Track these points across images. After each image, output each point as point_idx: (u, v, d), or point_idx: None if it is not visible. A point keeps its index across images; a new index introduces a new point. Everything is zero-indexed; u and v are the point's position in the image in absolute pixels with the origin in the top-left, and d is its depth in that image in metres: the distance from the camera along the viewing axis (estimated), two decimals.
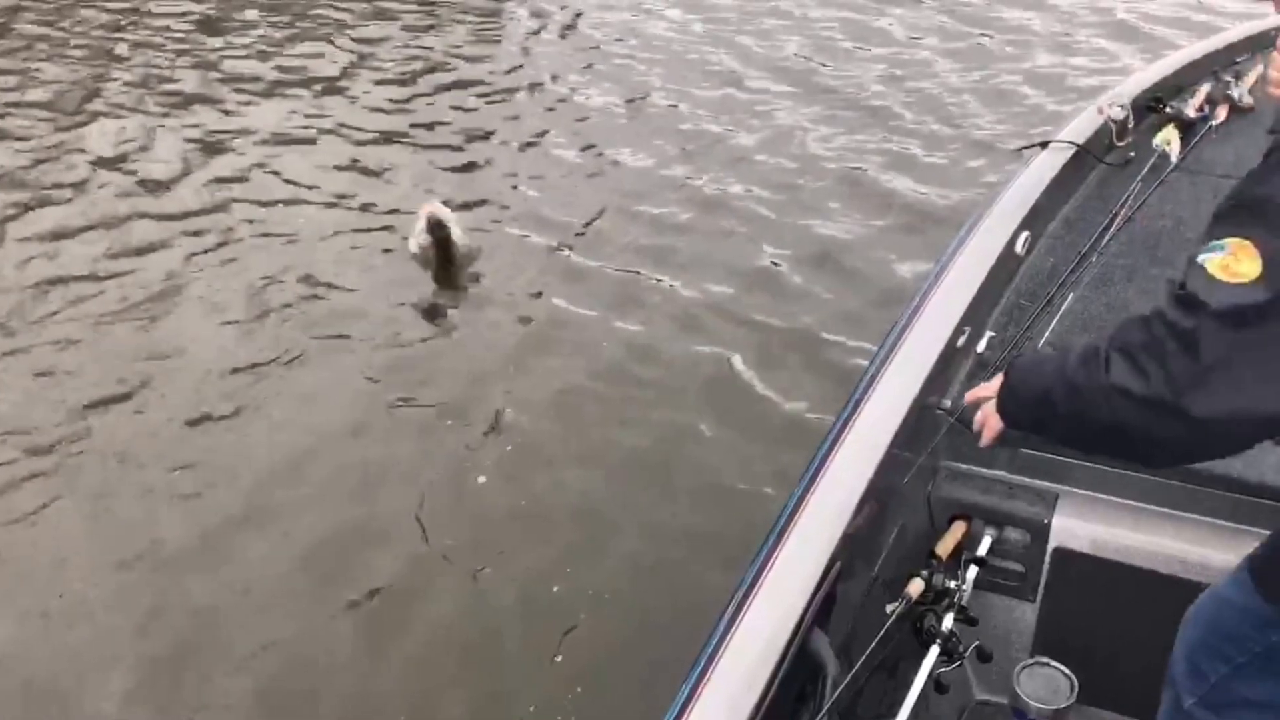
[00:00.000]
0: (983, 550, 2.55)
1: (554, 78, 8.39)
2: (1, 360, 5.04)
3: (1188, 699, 1.95)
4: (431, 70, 8.50)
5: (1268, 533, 1.89)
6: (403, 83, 8.23)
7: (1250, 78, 4.19)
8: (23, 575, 3.97)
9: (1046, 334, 2.81)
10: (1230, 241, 1.44)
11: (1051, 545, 2.58)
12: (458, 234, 5.58)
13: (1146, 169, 3.54)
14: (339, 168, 6.90)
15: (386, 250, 5.94)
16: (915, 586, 2.26)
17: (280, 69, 8.50)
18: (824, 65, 8.40)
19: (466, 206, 6.24)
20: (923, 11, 9.58)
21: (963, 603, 2.33)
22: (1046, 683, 2.34)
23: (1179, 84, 4.24)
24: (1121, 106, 3.87)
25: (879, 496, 2.36)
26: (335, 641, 3.67)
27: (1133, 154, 3.80)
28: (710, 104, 7.76)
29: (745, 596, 2.05)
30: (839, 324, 5.19)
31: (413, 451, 4.49)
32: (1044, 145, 3.71)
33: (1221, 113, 4.00)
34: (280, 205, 6.44)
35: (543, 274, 5.74)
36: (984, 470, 2.67)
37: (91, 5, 9.83)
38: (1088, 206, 3.55)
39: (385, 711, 3.44)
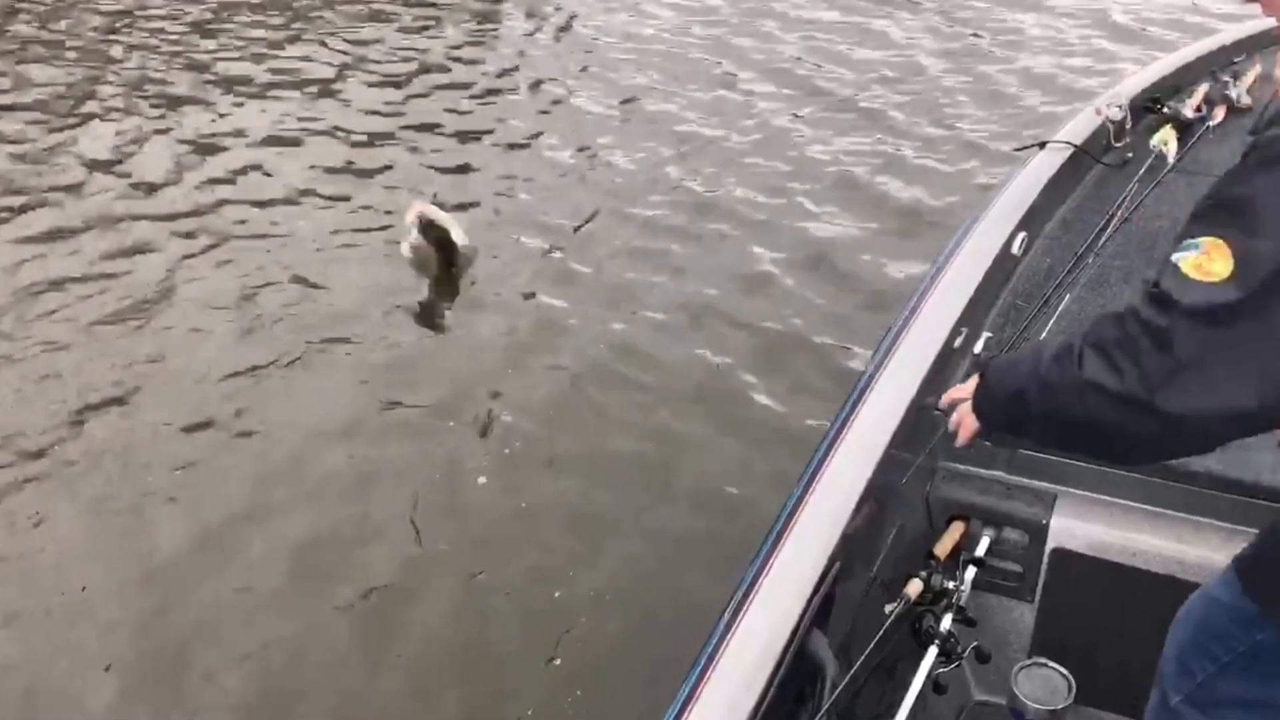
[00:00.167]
0: (981, 551, 2.54)
1: (549, 79, 8.39)
2: None
3: (1174, 696, 1.96)
4: (426, 71, 8.50)
5: None
6: (398, 84, 8.23)
7: (1248, 78, 4.19)
8: (21, 576, 3.96)
9: (1043, 335, 2.80)
10: (1204, 241, 1.45)
11: (1050, 546, 2.57)
12: (458, 234, 5.57)
13: (1144, 169, 3.54)
14: (333, 169, 6.89)
15: (381, 252, 5.92)
16: (914, 587, 2.25)
17: (275, 71, 8.49)
18: (819, 67, 8.40)
19: (461, 208, 6.23)
20: (918, 14, 9.59)
21: (961, 603, 2.32)
22: (1044, 683, 2.33)
23: (1176, 85, 4.24)
24: (1119, 107, 3.86)
25: (877, 497, 2.35)
26: (332, 642, 3.66)
27: (1130, 154, 3.80)
28: (705, 106, 7.76)
29: (744, 597, 2.04)
30: (833, 326, 5.19)
31: (408, 453, 4.48)
32: (1041, 146, 3.71)
33: (1219, 113, 3.99)
34: (274, 207, 6.43)
35: (537, 276, 5.73)
36: (982, 471, 2.66)
37: (87, 8, 9.81)
38: (1085, 207, 3.55)
39: (383, 713, 3.44)
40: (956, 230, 3.29)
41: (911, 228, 6.05)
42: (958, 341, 2.76)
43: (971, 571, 2.45)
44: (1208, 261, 1.44)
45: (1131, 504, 2.56)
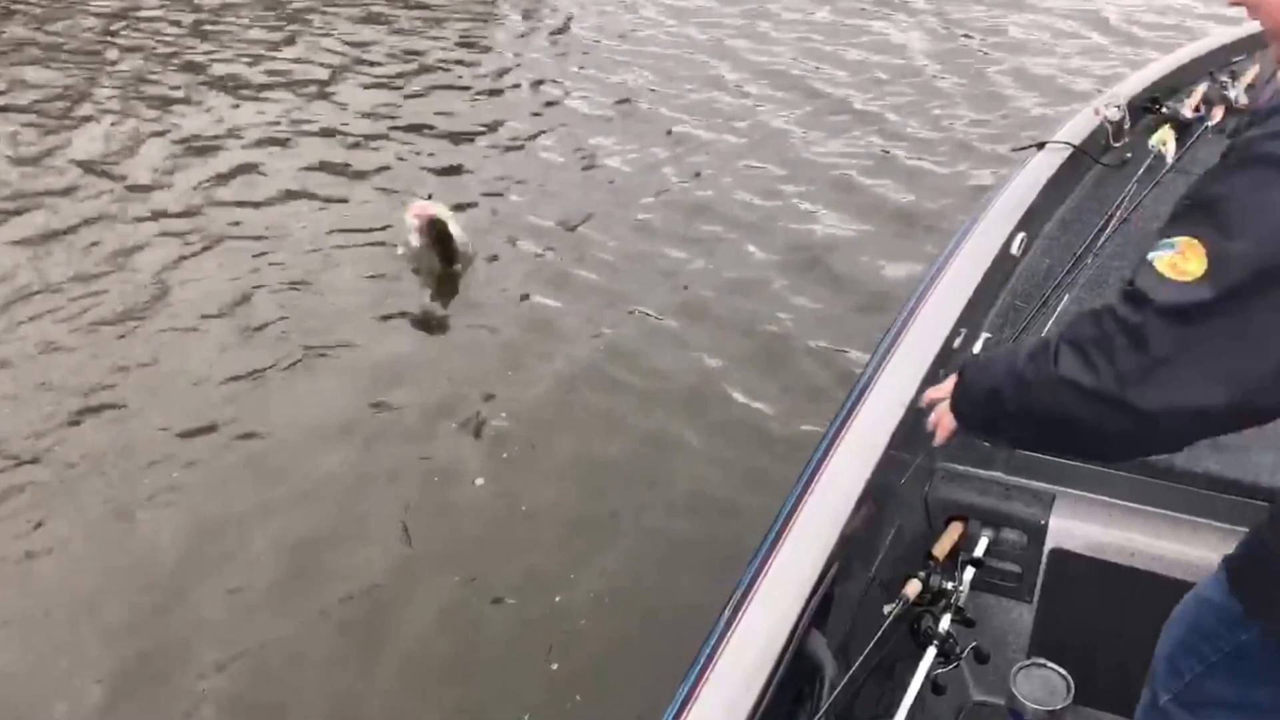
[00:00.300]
0: (980, 551, 2.54)
1: (544, 81, 8.39)
2: None
3: (1163, 696, 1.97)
4: (422, 73, 8.50)
5: None
6: (393, 86, 8.23)
7: (1246, 78, 4.19)
8: (19, 578, 3.95)
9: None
10: (1180, 240, 1.46)
11: (1048, 546, 2.57)
12: (457, 231, 5.56)
13: (1142, 170, 3.54)
14: (329, 171, 6.87)
15: (377, 253, 5.91)
16: (912, 588, 2.25)
17: (270, 72, 8.48)
18: (816, 69, 8.40)
19: (457, 209, 6.19)
20: (913, 15, 9.59)
21: (960, 604, 2.32)
22: (1043, 684, 2.33)
23: (1175, 85, 4.24)
24: (1118, 107, 3.86)
25: (876, 497, 2.35)
26: (329, 644, 3.65)
27: (1129, 155, 3.80)
28: (700, 107, 7.76)
29: (743, 597, 2.04)
30: (827, 329, 5.18)
31: (404, 455, 4.47)
32: (1040, 146, 3.71)
33: (1217, 113, 3.99)
34: (270, 209, 6.42)
35: (532, 277, 5.72)
36: (981, 471, 2.66)
37: (82, 10, 9.80)
38: (1084, 207, 3.55)
39: (380, 716, 3.43)
40: (953, 231, 3.29)
41: (907, 229, 6.05)
42: (957, 342, 2.76)
43: (970, 572, 2.44)
44: (1182, 261, 1.45)
45: (1130, 504, 2.56)
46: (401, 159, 7.05)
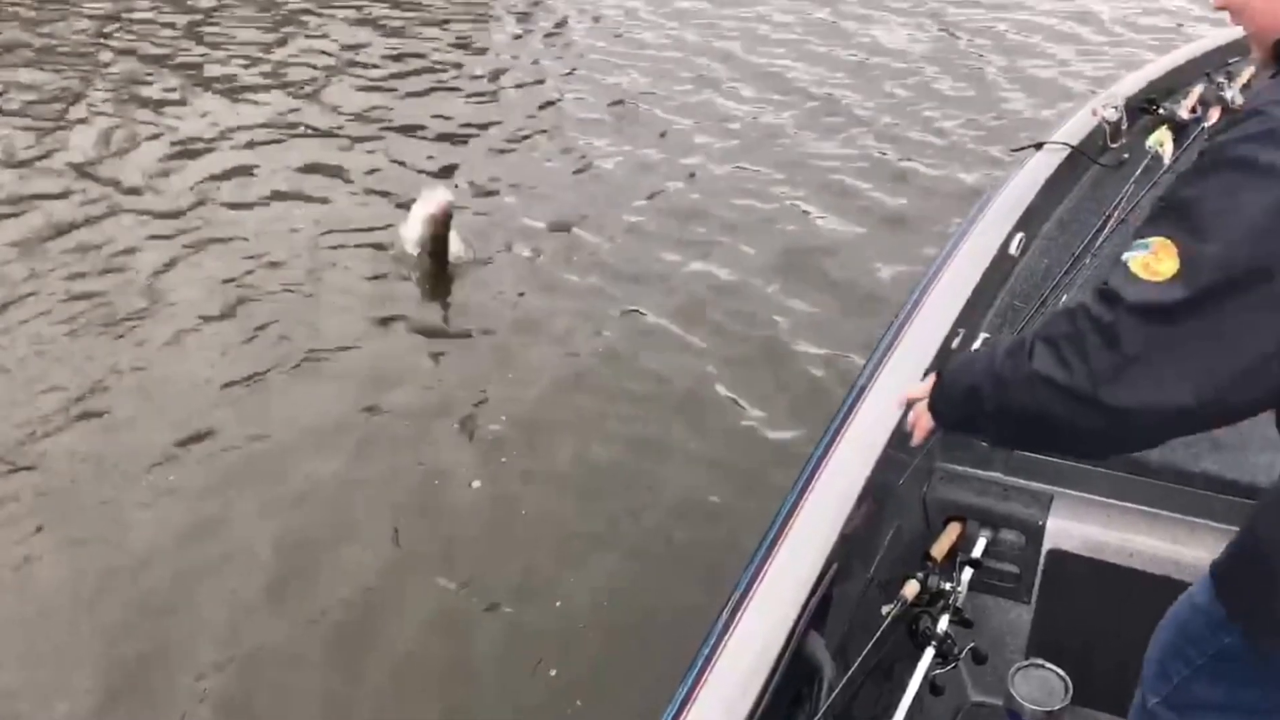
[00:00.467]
0: (978, 552, 2.54)
1: (538, 82, 8.38)
2: None
3: (1152, 699, 1.98)
4: (416, 74, 8.48)
5: None
6: (387, 88, 8.20)
7: (1242, 79, 4.19)
8: (5, 584, 3.93)
9: None
10: (1154, 241, 1.48)
11: (1046, 547, 2.57)
12: (455, 239, 5.57)
13: (1140, 170, 3.54)
14: (323, 173, 6.85)
15: (371, 254, 5.90)
16: (910, 588, 2.25)
17: (264, 74, 8.46)
18: (810, 71, 8.39)
19: None
20: (909, 18, 9.58)
21: (958, 604, 2.32)
22: (1041, 684, 2.33)
23: (1172, 86, 4.25)
24: (1115, 108, 3.87)
25: (875, 498, 2.35)
26: (321, 649, 3.64)
27: (1126, 155, 3.80)
28: (693, 109, 7.74)
29: (741, 599, 2.04)
30: (821, 333, 5.16)
31: (397, 459, 4.46)
32: (1038, 146, 3.72)
33: (1214, 114, 3.98)
34: (263, 211, 6.40)
35: (524, 280, 5.71)
36: (979, 472, 2.66)
37: (75, 12, 9.79)
38: (1081, 208, 3.55)
39: None
40: (949, 233, 3.29)
41: (901, 231, 6.04)
42: (955, 342, 2.76)
43: (968, 573, 2.44)
44: (1155, 261, 1.46)
45: (1128, 505, 2.56)
46: (396, 161, 7.01)
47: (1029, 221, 3.31)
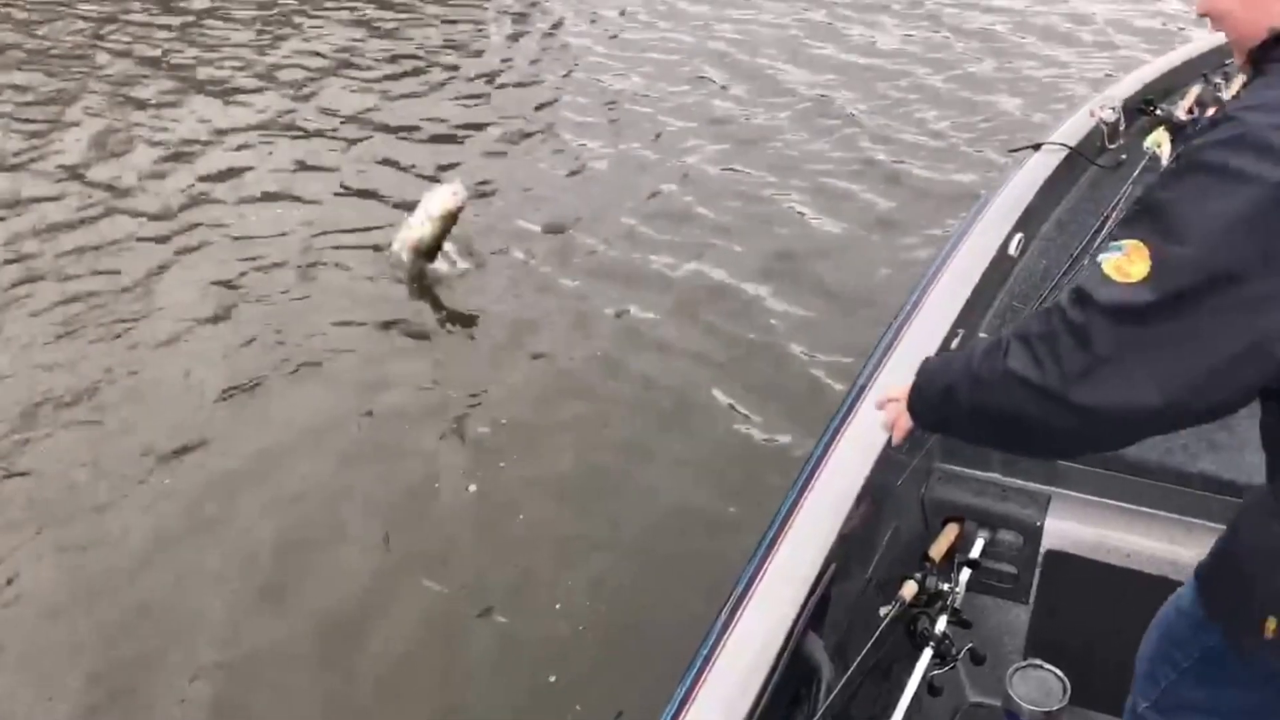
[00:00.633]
0: (976, 552, 2.54)
1: (533, 84, 8.39)
2: None
3: (1142, 703, 1.99)
4: (410, 75, 8.49)
5: None
6: (382, 90, 8.20)
7: (1239, 80, 4.19)
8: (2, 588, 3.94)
9: None
10: (1128, 243, 1.49)
11: (1044, 547, 2.57)
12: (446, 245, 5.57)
13: (1138, 171, 3.54)
14: (316, 174, 6.86)
15: (365, 256, 5.90)
16: (909, 589, 2.25)
17: (258, 76, 8.47)
18: (804, 73, 8.39)
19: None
20: (901, 19, 9.59)
21: (956, 605, 2.32)
22: (1039, 685, 2.33)
23: (1169, 87, 4.25)
24: (1113, 109, 3.88)
25: (873, 499, 2.35)
26: (315, 652, 3.63)
27: (1124, 156, 3.80)
28: (687, 112, 7.74)
29: (740, 599, 2.04)
30: (814, 336, 5.15)
31: (391, 461, 4.45)
32: (1036, 147, 3.72)
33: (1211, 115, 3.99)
34: (257, 212, 6.40)
35: (519, 282, 5.70)
36: (977, 472, 2.66)
37: (70, 14, 9.77)
38: (1080, 208, 3.55)
39: None
40: (944, 234, 3.30)
41: (894, 233, 6.03)
42: (954, 342, 2.76)
43: (966, 573, 2.45)
44: (1127, 263, 1.47)
45: (1125, 505, 2.56)
46: (390, 163, 7.02)
47: (1028, 222, 3.31)
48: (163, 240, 6.07)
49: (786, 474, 2.40)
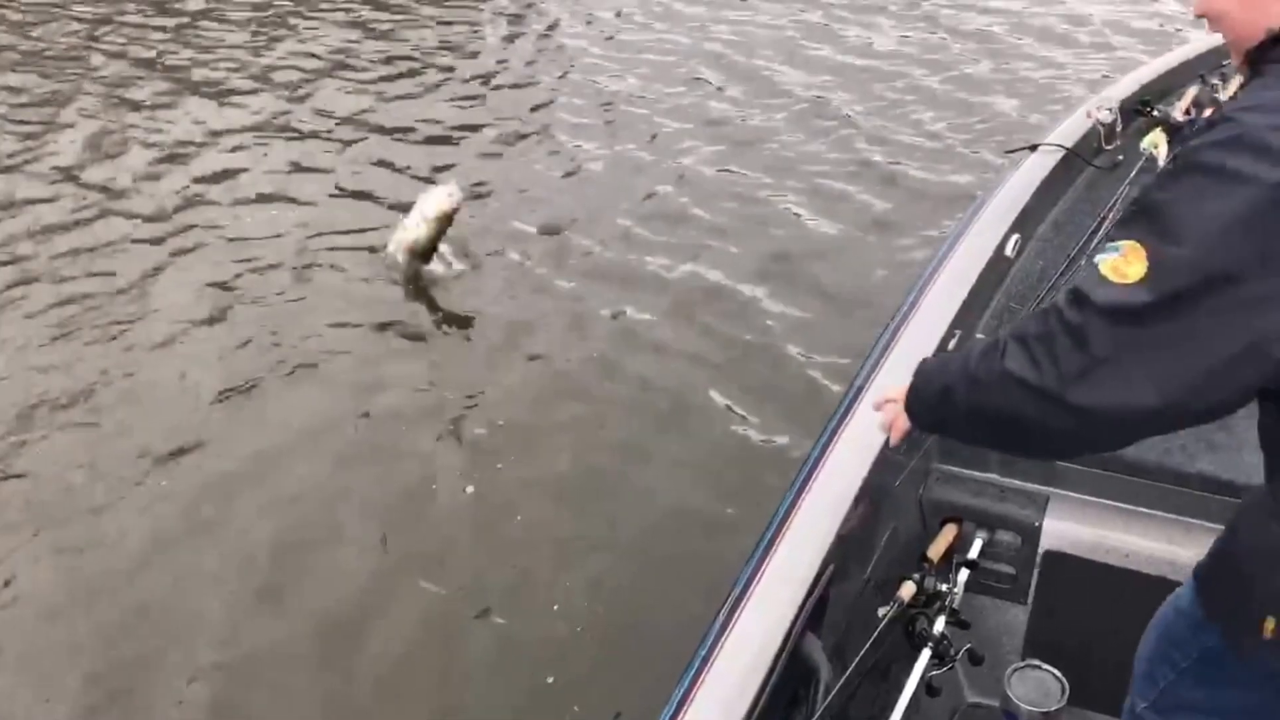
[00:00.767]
0: (974, 553, 2.54)
1: (529, 85, 8.39)
2: None
3: (1140, 703, 1.99)
4: (405, 76, 8.48)
5: None
6: (377, 91, 8.20)
7: (1236, 81, 4.20)
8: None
9: None
10: (1124, 244, 1.49)
11: (1042, 548, 2.57)
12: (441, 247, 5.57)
13: (1134, 172, 3.54)
14: (311, 176, 6.85)
15: (361, 257, 5.88)
16: (907, 589, 2.26)
17: (253, 77, 8.46)
18: (800, 74, 8.39)
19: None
20: (898, 20, 9.60)
21: (954, 605, 2.32)
22: (1038, 685, 2.33)
23: (1166, 88, 4.25)
24: (1109, 110, 3.88)
25: (871, 499, 2.35)
26: (313, 653, 3.63)
27: (1121, 157, 3.81)
28: (683, 113, 7.74)
29: (738, 600, 2.04)
30: (810, 337, 5.14)
31: (388, 463, 4.44)
32: (1033, 148, 3.72)
33: (1208, 116, 3.99)
34: (252, 214, 6.39)
35: (513, 284, 5.69)
36: (975, 473, 2.66)
37: (66, 15, 9.76)
38: (1076, 209, 3.56)
39: None
40: (940, 235, 3.29)
41: (890, 234, 6.03)
42: (952, 343, 2.76)
43: (964, 574, 2.44)
44: (1124, 264, 1.47)
45: (1124, 506, 2.56)
46: (386, 164, 7.01)
47: (1024, 223, 3.31)
48: (158, 242, 6.06)
49: (784, 475, 2.41)
